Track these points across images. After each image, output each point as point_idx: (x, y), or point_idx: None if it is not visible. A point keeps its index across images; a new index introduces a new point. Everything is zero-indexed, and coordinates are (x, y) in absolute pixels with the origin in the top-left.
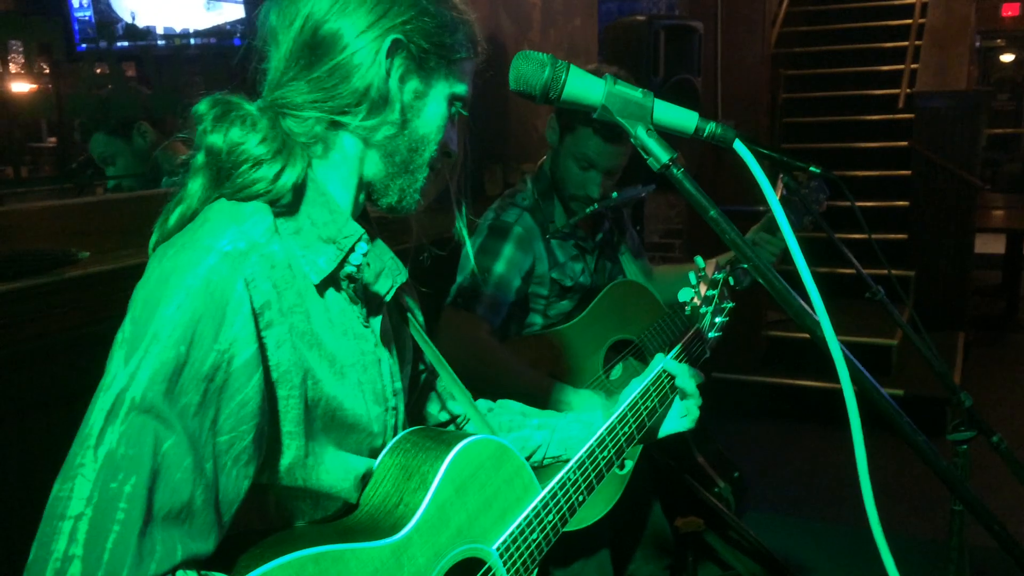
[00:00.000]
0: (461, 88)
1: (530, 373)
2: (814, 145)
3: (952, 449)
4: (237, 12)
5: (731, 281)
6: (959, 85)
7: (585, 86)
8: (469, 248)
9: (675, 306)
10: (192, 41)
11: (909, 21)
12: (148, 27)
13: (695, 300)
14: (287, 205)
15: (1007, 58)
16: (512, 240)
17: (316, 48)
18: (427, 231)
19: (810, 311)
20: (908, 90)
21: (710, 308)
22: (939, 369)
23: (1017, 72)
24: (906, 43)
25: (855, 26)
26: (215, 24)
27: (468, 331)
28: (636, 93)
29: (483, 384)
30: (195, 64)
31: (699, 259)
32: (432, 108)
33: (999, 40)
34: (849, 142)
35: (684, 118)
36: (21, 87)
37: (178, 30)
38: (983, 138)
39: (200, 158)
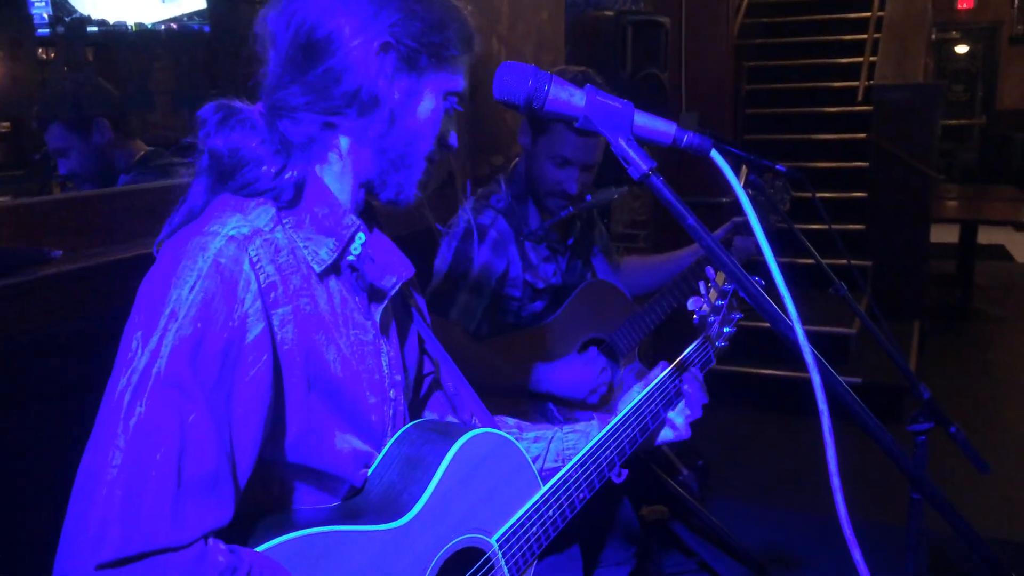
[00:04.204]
0: (454, 83)
1: (508, 369)
2: (775, 136)
3: (911, 439)
4: (196, 3)
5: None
6: (916, 78)
7: (568, 97)
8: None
9: (646, 302)
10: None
11: (868, 14)
12: (103, 19)
13: (704, 308)
14: (289, 201)
15: (961, 50)
16: (487, 243)
17: (310, 51)
18: (400, 224)
19: (784, 317)
20: (867, 83)
21: (718, 318)
22: (899, 361)
23: (971, 64)
24: (865, 35)
25: (815, 18)
26: (173, 16)
27: (441, 336)
28: (616, 104)
29: None
30: (158, 51)
31: (710, 267)
32: (424, 105)
33: (954, 32)
34: (809, 134)
35: (662, 128)
36: None
37: (134, 22)
38: (938, 129)
39: (203, 160)
